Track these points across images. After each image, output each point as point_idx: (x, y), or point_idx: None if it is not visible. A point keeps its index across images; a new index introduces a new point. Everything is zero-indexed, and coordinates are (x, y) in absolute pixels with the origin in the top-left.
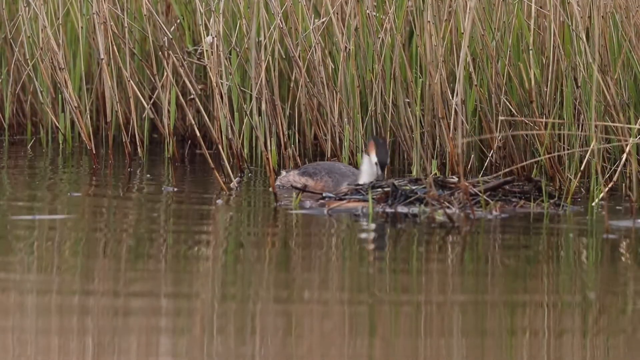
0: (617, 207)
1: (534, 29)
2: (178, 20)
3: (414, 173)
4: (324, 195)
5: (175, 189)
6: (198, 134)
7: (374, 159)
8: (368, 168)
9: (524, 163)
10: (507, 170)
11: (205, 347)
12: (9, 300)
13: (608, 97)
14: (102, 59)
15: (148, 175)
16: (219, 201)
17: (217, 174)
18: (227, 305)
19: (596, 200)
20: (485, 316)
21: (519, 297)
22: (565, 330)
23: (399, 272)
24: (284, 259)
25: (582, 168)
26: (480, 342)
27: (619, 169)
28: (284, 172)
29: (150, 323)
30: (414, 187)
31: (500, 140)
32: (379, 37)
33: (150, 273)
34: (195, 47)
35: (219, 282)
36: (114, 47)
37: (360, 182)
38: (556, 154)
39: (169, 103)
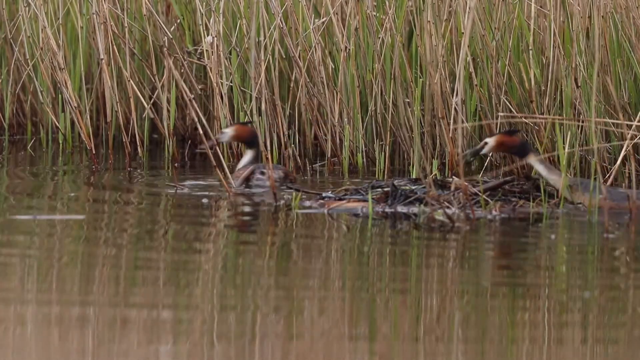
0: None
1: (534, 29)
2: (178, 20)
3: (414, 173)
4: (323, 195)
5: (175, 189)
6: (201, 131)
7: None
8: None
9: (523, 161)
10: (507, 169)
11: (205, 349)
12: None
13: (609, 97)
14: (102, 59)
15: (149, 177)
16: (205, 200)
17: (219, 173)
18: (227, 306)
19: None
20: (485, 316)
21: (518, 297)
22: (565, 330)
23: (399, 273)
24: (284, 259)
25: (579, 165)
26: (480, 341)
27: (615, 165)
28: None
29: (150, 324)
30: (413, 187)
31: None
32: (379, 37)
33: (150, 273)
34: (195, 47)
35: (219, 282)
36: (114, 47)
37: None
38: (556, 153)
39: (169, 103)
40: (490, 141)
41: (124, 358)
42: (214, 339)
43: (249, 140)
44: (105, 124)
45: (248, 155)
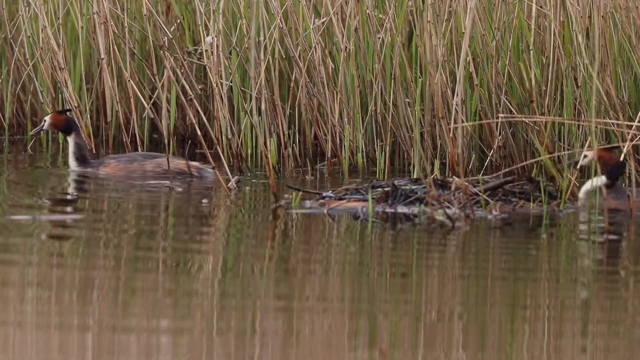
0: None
1: (534, 29)
2: (178, 20)
3: (414, 173)
4: (323, 194)
5: (175, 189)
6: (199, 133)
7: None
8: None
9: (524, 163)
10: (507, 170)
11: (205, 348)
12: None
13: (607, 96)
14: (102, 59)
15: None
16: (205, 201)
17: (217, 174)
18: (228, 306)
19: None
20: (485, 316)
21: (518, 298)
22: (565, 330)
23: (399, 273)
24: (284, 259)
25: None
26: (480, 341)
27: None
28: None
29: (150, 326)
30: (414, 187)
31: (500, 140)
32: (379, 37)
33: (150, 274)
34: (195, 47)
35: (219, 282)
36: (114, 47)
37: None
38: (556, 154)
39: (169, 103)
40: (590, 154)
41: (125, 357)
42: (214, 336)
43: (64, 128)
44: (105, 124)
45: (71, 143)
